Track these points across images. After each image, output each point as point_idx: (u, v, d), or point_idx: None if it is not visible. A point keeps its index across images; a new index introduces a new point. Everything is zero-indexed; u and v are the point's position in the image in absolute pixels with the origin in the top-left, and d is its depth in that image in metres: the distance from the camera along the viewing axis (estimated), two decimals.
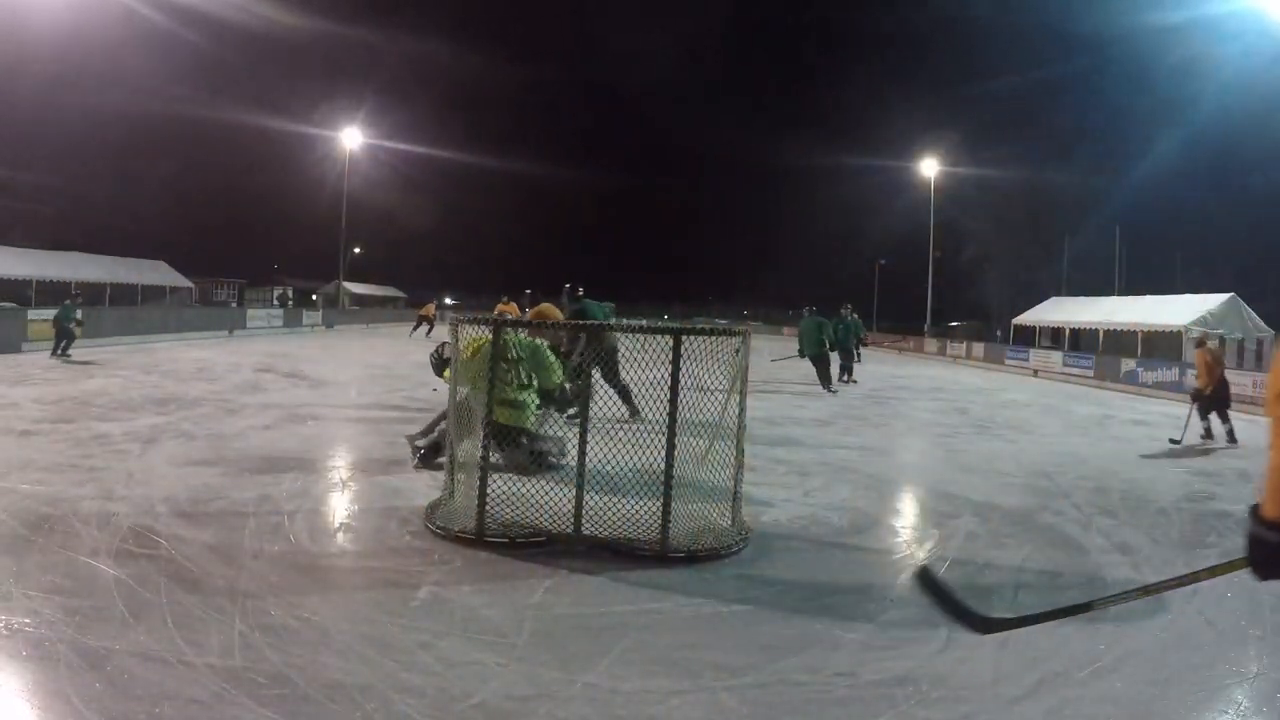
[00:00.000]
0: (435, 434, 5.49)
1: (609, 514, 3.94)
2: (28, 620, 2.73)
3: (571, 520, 3.86)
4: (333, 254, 40.50)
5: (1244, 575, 1.45)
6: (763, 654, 2.81)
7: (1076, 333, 28.38)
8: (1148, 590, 1.82)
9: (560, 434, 5.50)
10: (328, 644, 2.70)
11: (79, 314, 13.46)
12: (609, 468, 4.00)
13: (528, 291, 19.61)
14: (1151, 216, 37.28)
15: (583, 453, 3.98)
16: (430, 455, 5.43)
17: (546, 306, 7.96)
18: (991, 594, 3.55)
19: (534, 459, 5.02)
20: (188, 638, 2.66)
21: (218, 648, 2.61)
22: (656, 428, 3.98)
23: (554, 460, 5.23)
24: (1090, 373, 20.02)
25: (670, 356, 3.87)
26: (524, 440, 5.07)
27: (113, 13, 30.62)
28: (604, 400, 3.99)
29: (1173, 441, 8.71)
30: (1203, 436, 9.05)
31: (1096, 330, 26.28)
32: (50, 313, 15.04)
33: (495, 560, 3.66)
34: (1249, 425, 11.51)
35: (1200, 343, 10.00)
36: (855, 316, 15.79)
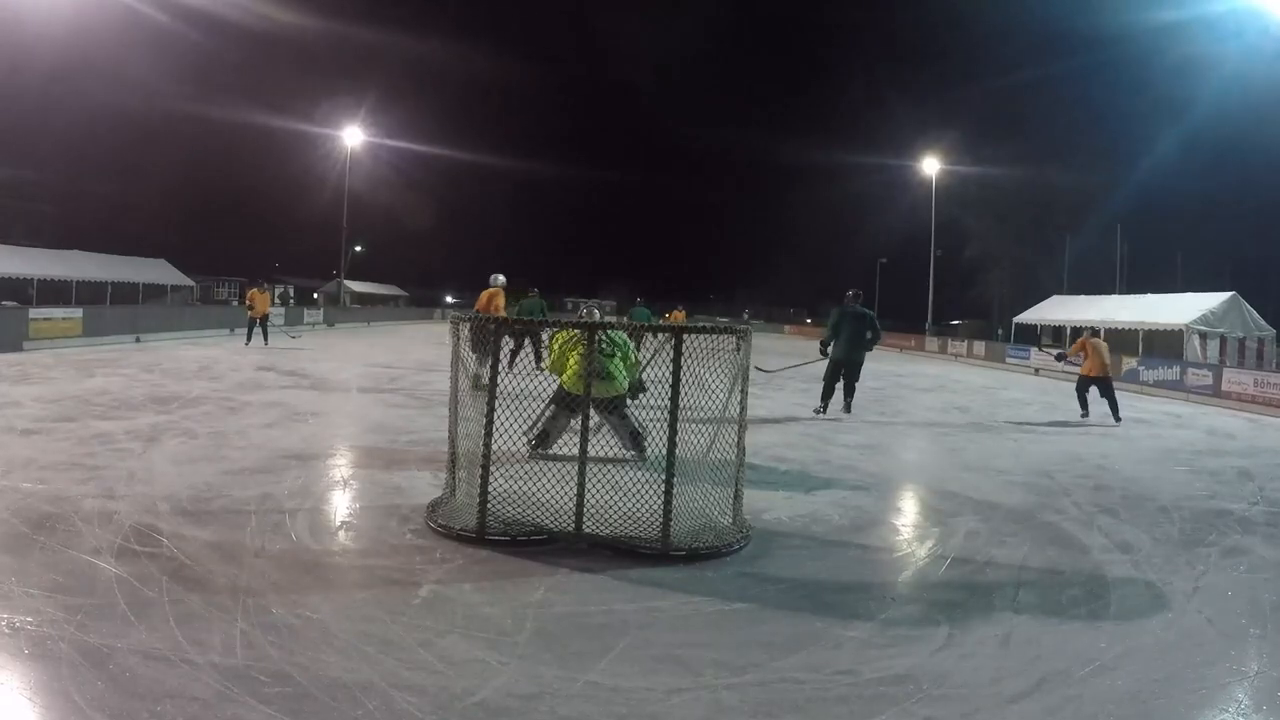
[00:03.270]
0: (541, 422, 5.55)
1: (610, 512, 3.95)
2: (29, 619, 2.73)
3: (573, 518, 3.86)
4: (334, 252, 40.52)
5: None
6: (764, 652, 2.81)
7: (1078, 331, 28.36)
8: None
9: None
10: (329, 642, 2.71)
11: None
12: (611, 466, 4.00)
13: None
14: (1152, 215, 37.23)
15: (583, 451, 3.98)
16: (541, 442, 5.50)
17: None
18: (992, 592, 3.55)
19: (634, 438, 5.56)
20: (190, 636, 2.67)
21: (220, 646, 2.62)
22: (658, 426, 3.99)
23: (645, 443, 5.58)
24: None
25: (671, 355, 3.88)
26: (627, 413, 5.62)
27: (114, 11, 30.57)
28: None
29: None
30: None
31: (1098, 329, 26.25)
32: (55, 312, 15.07)
33: (496, 558, 3.67)
34: (1250, 424, 11.52)
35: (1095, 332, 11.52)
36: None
